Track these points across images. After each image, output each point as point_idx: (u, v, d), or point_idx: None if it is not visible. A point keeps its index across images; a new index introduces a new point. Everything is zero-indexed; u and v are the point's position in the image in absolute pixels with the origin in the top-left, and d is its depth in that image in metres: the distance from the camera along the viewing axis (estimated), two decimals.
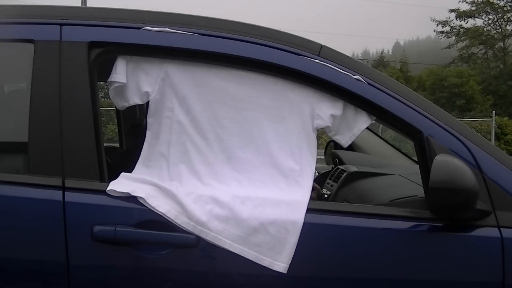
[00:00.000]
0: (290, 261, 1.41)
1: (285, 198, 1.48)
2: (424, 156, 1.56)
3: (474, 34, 32.72)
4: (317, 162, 1.63)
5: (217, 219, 1.42)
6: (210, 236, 1.41)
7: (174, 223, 1.42)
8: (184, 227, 1.41)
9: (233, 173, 1.54)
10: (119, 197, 1.44)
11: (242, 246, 1.42)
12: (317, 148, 1.64)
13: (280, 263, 1.42)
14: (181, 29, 1.59)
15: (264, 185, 1.53)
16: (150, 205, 1.42)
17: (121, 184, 1.46)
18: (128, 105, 1.62)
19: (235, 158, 1.56)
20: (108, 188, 1.44)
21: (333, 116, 1.60)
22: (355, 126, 1.63)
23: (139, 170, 1.56)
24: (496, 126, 18.73)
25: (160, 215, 1.42)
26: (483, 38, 33.16)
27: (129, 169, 1.56)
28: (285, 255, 1.42)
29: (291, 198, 1.49)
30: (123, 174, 1.51)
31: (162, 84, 1.59)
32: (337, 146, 3.11)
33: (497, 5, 32.46)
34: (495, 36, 33.76)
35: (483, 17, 33.46)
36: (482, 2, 32.25)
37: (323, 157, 3.44)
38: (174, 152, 1.56)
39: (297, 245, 1.42)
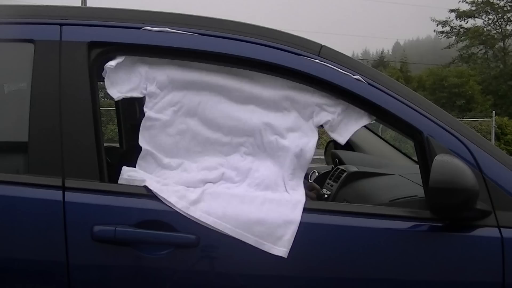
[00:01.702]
0: (290, 246, 1.42)
1: (283, 189, 1.53)
2: (424, 156, 1.56)
3: (474, 34, 32.71)
4: (317, 162, 1.63)
5: (218, 208, 1.44)
6: (210, 221, 1.42)
7: (175, 208, 1.42)
8: (183, 212, 1.42)
9: (233, 167, 1.56)
10: (119, 197, 1.44)
11: (242, 231, 1.42)
12: (317, 148, 1.64)
13: (280, 248, 1.42)
14: (181, 29, 1.59)
15: (264, 178, 1.55)
16: (159, 195, 1.43)
17: (136, 173, 1.50)
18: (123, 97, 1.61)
19: (235, 155, 1.59)
20: (124, 176, 1.50)
21: (332, 116, 1.60)
22: (354, 126, 1.63)
23: (141, 167, 1.56)
24: (496, 126, 18.73)
25: (160, 215, 1.43)
26: (483, 38, 33.16)
27: None
28: (285, 239, 1.42)
29: (290, 187, 1.54)
30: (134, 168, 1.55)
31: (162, 84, 1.59)
32: (337, 146, 3.11)
33: (497, 5, 32.46)
34: (495, 36, 33.75)
35: (483, 17, 33.48)
36: (482, 2, 32.25)
37: (323, 157, 3.44)
38: (173, 150, 1.57)
39: (297, 245, 1.42)
